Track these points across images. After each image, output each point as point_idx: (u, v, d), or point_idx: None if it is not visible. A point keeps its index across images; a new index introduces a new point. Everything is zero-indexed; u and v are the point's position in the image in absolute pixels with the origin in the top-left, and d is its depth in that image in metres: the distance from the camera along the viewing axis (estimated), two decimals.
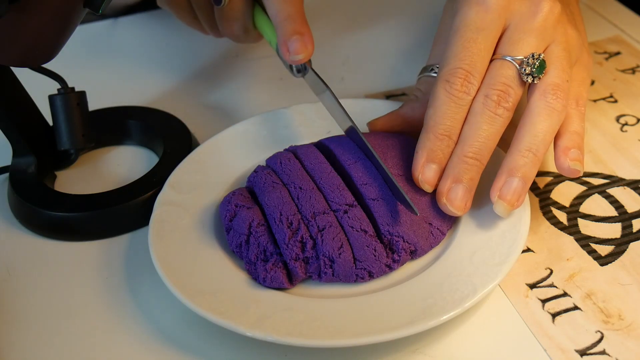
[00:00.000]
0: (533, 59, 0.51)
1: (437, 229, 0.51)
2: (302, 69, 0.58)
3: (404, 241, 0.49)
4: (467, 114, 0.51)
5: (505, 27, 0.52)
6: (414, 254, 0.50)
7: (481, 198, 0.53)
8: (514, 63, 0.51)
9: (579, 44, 0.55)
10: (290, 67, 0.59)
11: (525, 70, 0.51)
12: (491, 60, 0.52)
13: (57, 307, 0.52)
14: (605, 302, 0.49)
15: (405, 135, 0.56)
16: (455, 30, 0.52)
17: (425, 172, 0.51)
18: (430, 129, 0.51)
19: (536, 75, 0.51)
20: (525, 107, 0.51)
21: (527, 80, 0.51)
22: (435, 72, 0.57)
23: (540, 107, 0.50)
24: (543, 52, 0.52)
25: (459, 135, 0.51)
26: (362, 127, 0.60)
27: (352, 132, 0.55)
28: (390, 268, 0.49)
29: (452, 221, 0.52)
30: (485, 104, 0.50)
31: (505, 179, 0.49)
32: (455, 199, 0.50)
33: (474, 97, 0.51)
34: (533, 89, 0.51)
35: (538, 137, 0.50)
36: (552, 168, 0.59)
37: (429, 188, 0.51)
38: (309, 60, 0.57)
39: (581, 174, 0.52)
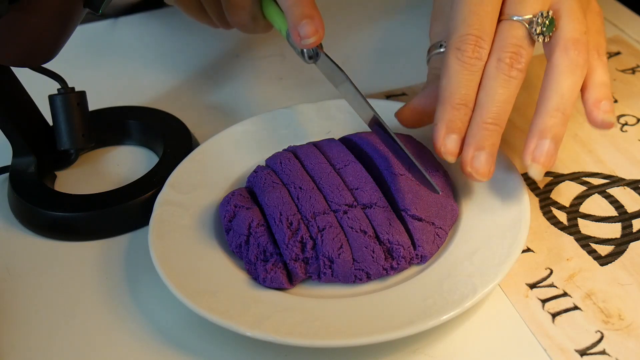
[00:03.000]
0: (542, 18, 0.50)
1: (441, 228, 0.51)
2: (314, 55, 0.57)
3: (404, 249, 0.49)
4: (481, 78, 0.51)
5: None
6: (422, 260, 0.50)
7: (481, 198, 0.53)
8: (523, 23, 0.50)
9: None
10: (302, 53, 0.57)
11: (535, 30, 0.50)
12: (499, 21, 0.51)
13: (57, 307, 0.52)
14: (605, 302, 0.49)
15: (412, 137, 0.56)
16: None
17: (447, 144, 0.50)
18: (446, 99, 0.51)
19: (547, 33, 0.50)
20: (547, 65, 0.51)
21: (538, 40, 0.50)
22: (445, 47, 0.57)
23: (564, 64, 0.50)
24: (550, 8, 0.51)
25: (475, 101, 0.50)
26: (362, 128, 0.60)
27: (375, 123, 0.54)
28: (388, 272, 0.49)
29: (454, 220, 0.52)
30: (498, 68, 0.50)
31: (537, 142, 0.49)
32: (480, 166, 0.49)
33: (487, 61, 0.50)
34: (552, 46, 0.51)
35: (565, 96, 0.49)
36: (552, 168, 0.59)
37: (452, 159, 0.50)
38: (321, 45, 0.56)
39: (613, 126, 0.51)
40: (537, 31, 0.50)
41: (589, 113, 0.51)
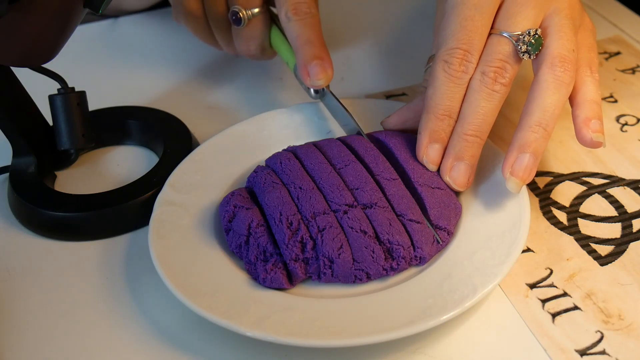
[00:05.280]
0: (529, 36, 0.51)
1: (444, 229, 0.51)
2: (321, 92, 0.60)
3: (404, 249, 0.49)
4: (466, 91, 0.51)
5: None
6: (421, 261, 0.50)
7: (482, 198, 0.53)
8: (511, 39, 0.51)
9: (579, 8, 0.55)
10: (308, 89, 0.60)
11: (521, 48, 0.51)
12: (490, 34, 0.52)
13: (57, 307, 0.52)
14: (605, 302, 0.49)
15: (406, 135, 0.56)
16: (452, 7, 0.52)
17: (429, 153, 0.52)
18: (431, 109, 0.52)
19: (532, 52, 0.51)
20: (533, 81, 0.51)
21: (523, 57, 0.51)
22: None
23: (549, 80, 0.50)
24: (540, 25, 0.52)
25: (459, 112, 0.51)
26: (362, 128, 0.60)
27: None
28: (388, 272, 0.49)
29: (458, 217, 0.52)
30: (482, 81, 0.51)
31: (517, 155, 0.50)
32: (458, 176, 0.51)
33: (473, 74, 0.51)
34: (539, 62, 0.51)
35: (548, 112, 0.50)
36: (552, 168, 0.59)
37: (433, 167, 0.52)
38: (328, 86, 0.59)
39: (603, 146, 0.51)
40: (522, 49, 0.51)
41: (578, 131, 0.51)
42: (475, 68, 0.51)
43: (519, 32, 0.51)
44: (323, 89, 0.60)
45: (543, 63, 0.51)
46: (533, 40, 0.51)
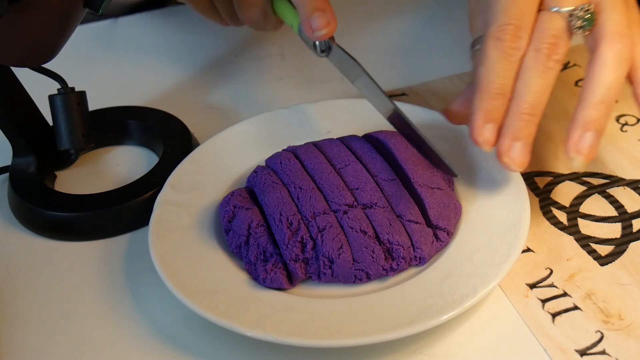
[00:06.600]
0: (583, 11, 0.50)
1: (444, 229, 0.51)
2: (327, 48, 0.57)
3: (404, 249, 0.49)
4: (519, 68, 0.51)
5: None
6: (421, 261, 0.50)
7: (481, 198, 0.53)
8: (563, 15, 0.51)
9: None
10: (315, 47, 0.57)
11: (575, 24, 0.50)
12: (539, 11, 0.51)
13: (57, 307, 0.52)
14: (605, 302, 0.49)
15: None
16: None
17: (485, 133, 0.50)
18: (484, 88, 0.51)
19: (586, 27, 0.51)
20: (592, 57, 0.51)
21: (575, 33, 0.51)
22: None
23: (610, 57, 0.50)
24: (591, 1, 0.51)
25: (512, 90, 0.51)
26: (362, 127, 0.60)
27: (395, 116, 0.54)
28: (387, 273, 0.49)
29: (458, 217, 0.52)
30: (536, 59, 0.50)
31: (581, 134, 0.49)
32: (518, 156, 0.50)
33: (525, 51, 0.51)
34: (598, 37, 0.51)
35: (611, 89, 0.49)
36: (552, 168, 0.59)
37: (488, 148, 0.51)
38: (333, 38, 0.57)
39: None
40: (577, 25, 0.50)
41: None
42: (528, 45, 0.51)
43: (572, 7, 0.50)
44: (330, 46, 0.57)
45: (603, 39, 0.50)
46: (587, 16, 0.50)
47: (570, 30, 0.51)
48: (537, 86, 0.50)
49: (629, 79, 0.52)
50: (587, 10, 0.50)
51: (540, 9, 0.51)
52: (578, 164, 0.50)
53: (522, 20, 0.50)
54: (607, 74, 0.50)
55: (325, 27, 0.55)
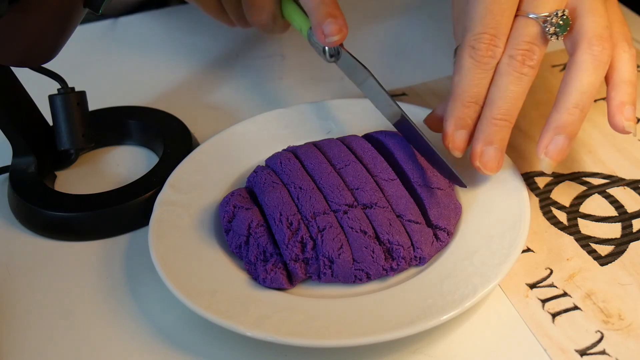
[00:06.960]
0: (557, 17, 0.50)
1: (444, 229, 0.51)
2: (335, 54, 0.58)
3: (404, 249, 0.49)
4: (493, 74, 0.51)
5: None
6: (421, 261, 0.50)
7: (481, 198, 0.53)
8: (538, 21, 0.51)
9: None
10: (324, 52, 0.58)
11: (549, 30, 0.51)
12: (516, 16, 0.51)
13: (57, 307, 0.52)
14: (605, 302, 0.49)
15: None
16: None
17: (455, 139, 0.51)
18: (457, 97, 0.51)
19: (560, 33, 0.51)
20: (570, 60, 0.51)
21: (550, 39, 0.51)
22: None
23: (587, 60, 0.50)
24: (568, 4, 0.51)
25: (486, 97, 0.51)
26: (362, 127, 0.60)
27: (401, 121, 0.54)
28: (387, 273, 0.49)
29: (458, 217, 0.52)
30: (510, 65, 0.50)
31: (552, 137, 0.50)
32: (489, 160, 0.50)
33: (501, 58, 0.51)
34: (576, 41, 0.51)
35: (585, 93, 0.50)
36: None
37: (459, 154, 0.52)
38: (342, 44, 0.57)
39: (633, 134, 0.52)
40: (550, 31, 0.51)
41: (612, 116, 0.51)
42: (503, 51, 0.51)
43: (546, 14, 0.51)
44: (338, 51, 0.58)
45: (580, 42, 0.50)
46: (561, 22, 0.50)
47: (545, 36, 0.51)
48: (511, 92, 0.50)
49: (605, 79, 0.52)
50: (562, 16, 0.51)
51: (517, 14, 0.51)
52: (546, 166, 0.50)
53: (497, 29, 0.51)
54: (581, 78, 0.50)
55: (338, 34, 0.56)
